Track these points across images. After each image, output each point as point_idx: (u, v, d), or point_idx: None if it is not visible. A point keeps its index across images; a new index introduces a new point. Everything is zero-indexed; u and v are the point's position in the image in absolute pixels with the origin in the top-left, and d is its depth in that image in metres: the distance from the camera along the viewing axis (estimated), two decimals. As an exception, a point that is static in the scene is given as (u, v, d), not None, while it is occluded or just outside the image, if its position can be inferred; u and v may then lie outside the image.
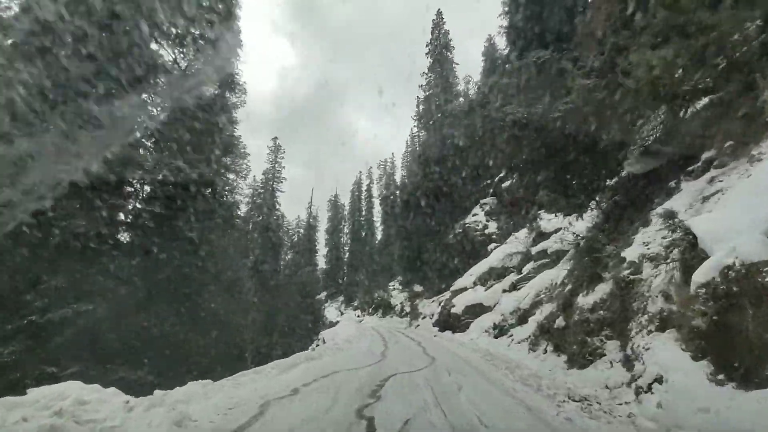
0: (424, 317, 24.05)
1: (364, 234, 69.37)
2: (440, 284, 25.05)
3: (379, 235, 66.59)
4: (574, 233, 11.40)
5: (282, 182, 43.99)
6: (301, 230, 65.80)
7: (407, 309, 34.84)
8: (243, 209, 50.84)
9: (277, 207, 43.75)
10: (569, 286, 9.26)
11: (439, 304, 21.95)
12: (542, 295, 12.61)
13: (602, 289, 7.53)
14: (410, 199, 28.90)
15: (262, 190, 43.85)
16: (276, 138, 44.88)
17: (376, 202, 69.23)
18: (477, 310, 17.21)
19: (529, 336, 10.86)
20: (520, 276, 15.91)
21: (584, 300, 7.77)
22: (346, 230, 73.80)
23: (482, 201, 26.60)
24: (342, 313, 60.66)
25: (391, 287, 48.18)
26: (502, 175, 25.24)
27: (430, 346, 14.01)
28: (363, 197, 72.19)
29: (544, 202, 10.72)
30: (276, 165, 44.07)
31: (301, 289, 42.78)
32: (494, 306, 16.69)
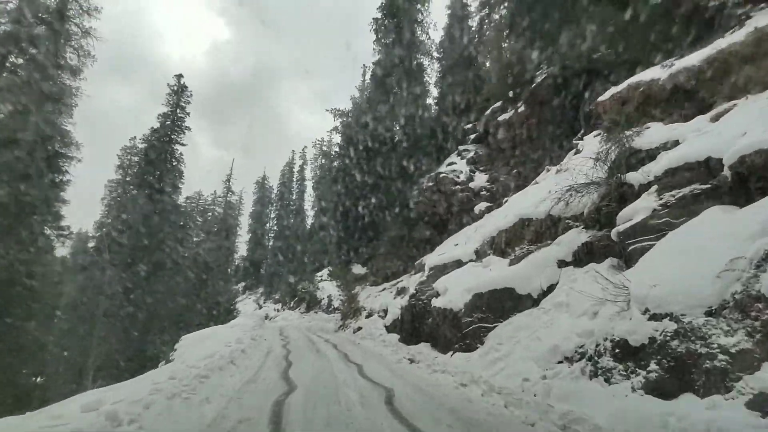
0: (370, 315, 13.78)
1: (292, 220, 57.69)
2: (397, 264, 15.00)
3: (309, 222, 55.24)
4: None
5: (184, 133, 31.44)
6: (217, 208, 52.62)
7: (337, 303, 23.88)
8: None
9: (176, 164, 31.10)
10: None
11: (399, 293, 11.92)
12: None
13: None
14: (355, 140, 18.19)
15: (156, 142, 31.01)
16: (180, 76, 32.00)
17: (309, 185, 57.83)
18: (502, 302, 7.42)
19: None
20: (612, 229, 6.26)
21: None
22: (272, 215, 61.93)
23: (461, 148, 17.06)
24: (261, 306, 48.64)
25: (319, 278, 37.09)
26: (496, 105, 15.81)
27: None
28: (294, 179, 60.46)
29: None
30: (178, 110, 31.36)
31: (201, 271, 30.62)
32: (541, 295, 7.02)
